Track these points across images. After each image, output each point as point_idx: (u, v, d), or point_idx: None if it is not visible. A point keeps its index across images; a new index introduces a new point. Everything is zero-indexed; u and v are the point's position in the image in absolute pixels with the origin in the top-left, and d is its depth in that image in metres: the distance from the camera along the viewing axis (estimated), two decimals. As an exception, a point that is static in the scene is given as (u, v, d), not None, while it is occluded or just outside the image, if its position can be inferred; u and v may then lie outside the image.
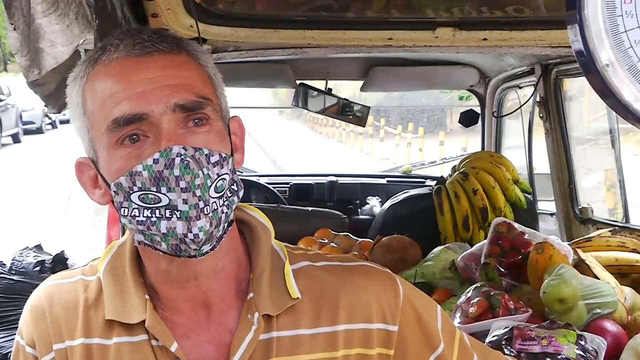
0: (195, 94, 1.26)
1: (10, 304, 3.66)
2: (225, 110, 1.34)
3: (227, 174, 1.26)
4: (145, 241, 1.27)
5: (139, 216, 1.24)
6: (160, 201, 1.22)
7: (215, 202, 1.23)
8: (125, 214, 1.25)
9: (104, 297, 1.34)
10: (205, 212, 1.22)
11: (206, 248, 1.24)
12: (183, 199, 1.20)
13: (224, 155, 1.26)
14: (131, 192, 1.23)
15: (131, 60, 1.26)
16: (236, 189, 1.29)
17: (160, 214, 1.22)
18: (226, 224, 1.27)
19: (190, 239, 1.21)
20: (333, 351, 1.32)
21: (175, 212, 1.21)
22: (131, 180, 1.23)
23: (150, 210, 1.23)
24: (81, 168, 1.34)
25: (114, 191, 1.25)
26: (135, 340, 1.30)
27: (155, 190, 1.21)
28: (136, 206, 1.24)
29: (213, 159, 1.24)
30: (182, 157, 1.20)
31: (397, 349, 1.35)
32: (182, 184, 1.20)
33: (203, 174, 1.21)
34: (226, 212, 1.26)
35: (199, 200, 1.21)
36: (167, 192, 1.21)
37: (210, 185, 1.23)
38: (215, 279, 1.32)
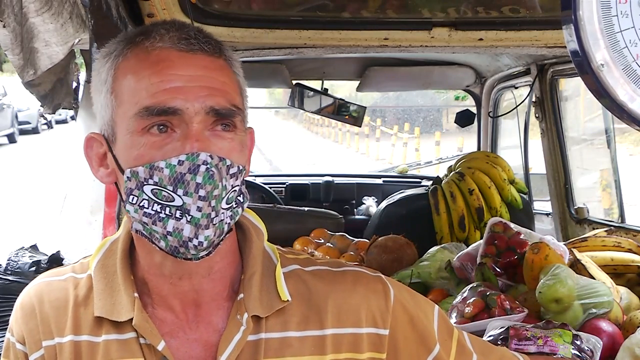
0: (229, 102, 1.27)
1: (6, 304, 3.65)
2: (247, 121, 1.35)
3: (238, 186, 1.28)
4: (144, 232, 1.26)
5: (147, 208, 1.24)
6: (173, 201, 1.22)
7: (223, 212, 1.24)
8: (134, 202, 1.25)
9: (94, 294, 1.34)
10: (214, 223, 1.23)
11: (203, 254, 1.25)
12: (198, 206, 1.21)
13: (241, 168, 1.27)
14: (145, 183, 1.23)
15: (174, 53, 1.26)
16: (242, 200, 1.30)
17: (170, 212, 1.22)
18: (226, 233, 1.28)
19: (194, 245, 1.22)
20: (321, 355, 1.32)
21: (186, 215, 1.21)
22: (149, 173, 1.23)
23: (160, 206, 1.23)
24: (91, 143, 1.34)
25: (127, 177, 1.25)
26: (123, 337, 1.30)
27: (172, 189, 1.21)
28: (146, 198, 1.24)
29: (232, 171, 1.25)
30: (208, 166, 1.21)
31: (390, 353, 1.35)
32: (202, 193, 1.20)
33: (222, 185, 1.22)
34: (228, 223, 1.27)
35: (212, 211, 1.22)
36: (184, 195, 1.21)
37: (224, 197, 1.24)
38: (210, 279, 1.32)
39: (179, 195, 1.21)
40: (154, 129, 1.23)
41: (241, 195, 1.30)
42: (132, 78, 1.26)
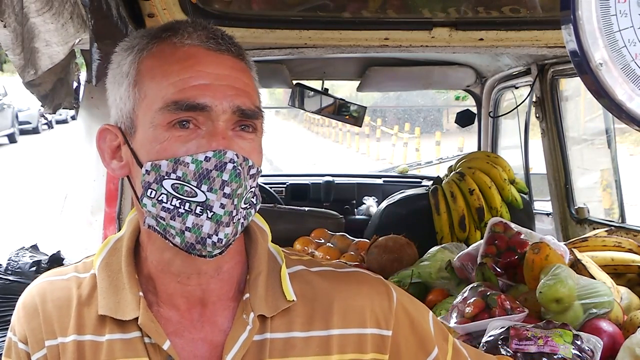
0: (253, 103, 1.28)
1: (7, 304, 3.65)
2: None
3: (255, 187, 1.29)
4: (157, 228, 1.26)
5: (166, 203, 1.23)
6: (195, 196, 1.22)
7: (241, 212, 1.25)
8: (152, 195, 1.24)
9: (98, 293, 1.33)
10: (234, 221, 1.23)
11: (217, 252, 1.25)
12: (221, 203, 1.21)
13: (259, 170, 1.29)
14: (166, 177, 1.23)
15: (202, 51, 1.27)
16: (255, 202, 1.31)
17: (189, 208, 1.22)
18: (239, 233, 1.29)
19: (212, 242, 1.22)
20: (326, 355, 1.32)
21: (208, 211, 1.21)
22: (173, 167, 1.22)
23: (180, 201, 1.22)
24: (104, 135, 1.33)
25: (147, 170, 1.24)
26: (128, 337, 1.30)
27: (195, 185, 1.22)
28: (165, 192, 1.23)
29: (252, 172, 1.26)
30: (235, 164, 1.21)
31: (392, 354, 1.36)
32: (227, 190, 1.21)
33: (244, 184, 1.23)
34: (243, 223, 1.27)
35: (234, 209, 1.23)
36: (208, 191, 1.21)
37: (244, 197, 1.25)
38: (218, 279, 1.32)
39: (202, 191, 1.21)
40: (178, 125, 1.24)
41: (254, 197, 1.30)
42: (159, 72, 1.26)
